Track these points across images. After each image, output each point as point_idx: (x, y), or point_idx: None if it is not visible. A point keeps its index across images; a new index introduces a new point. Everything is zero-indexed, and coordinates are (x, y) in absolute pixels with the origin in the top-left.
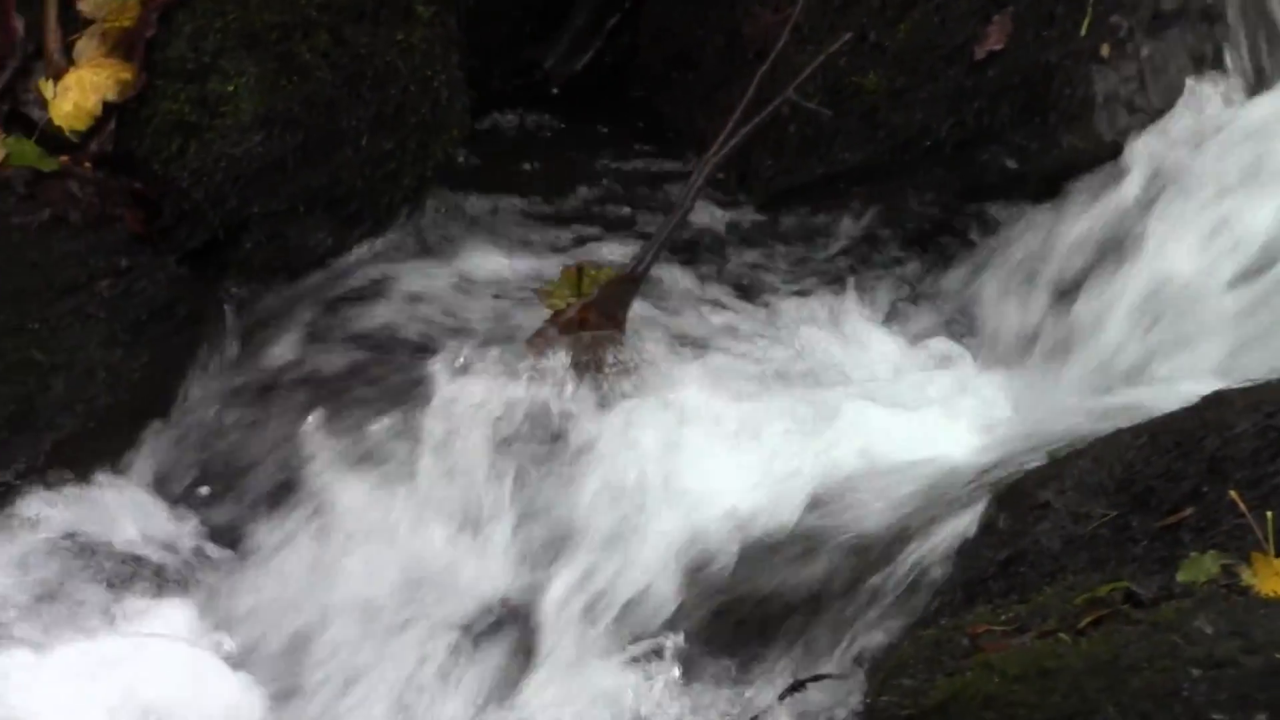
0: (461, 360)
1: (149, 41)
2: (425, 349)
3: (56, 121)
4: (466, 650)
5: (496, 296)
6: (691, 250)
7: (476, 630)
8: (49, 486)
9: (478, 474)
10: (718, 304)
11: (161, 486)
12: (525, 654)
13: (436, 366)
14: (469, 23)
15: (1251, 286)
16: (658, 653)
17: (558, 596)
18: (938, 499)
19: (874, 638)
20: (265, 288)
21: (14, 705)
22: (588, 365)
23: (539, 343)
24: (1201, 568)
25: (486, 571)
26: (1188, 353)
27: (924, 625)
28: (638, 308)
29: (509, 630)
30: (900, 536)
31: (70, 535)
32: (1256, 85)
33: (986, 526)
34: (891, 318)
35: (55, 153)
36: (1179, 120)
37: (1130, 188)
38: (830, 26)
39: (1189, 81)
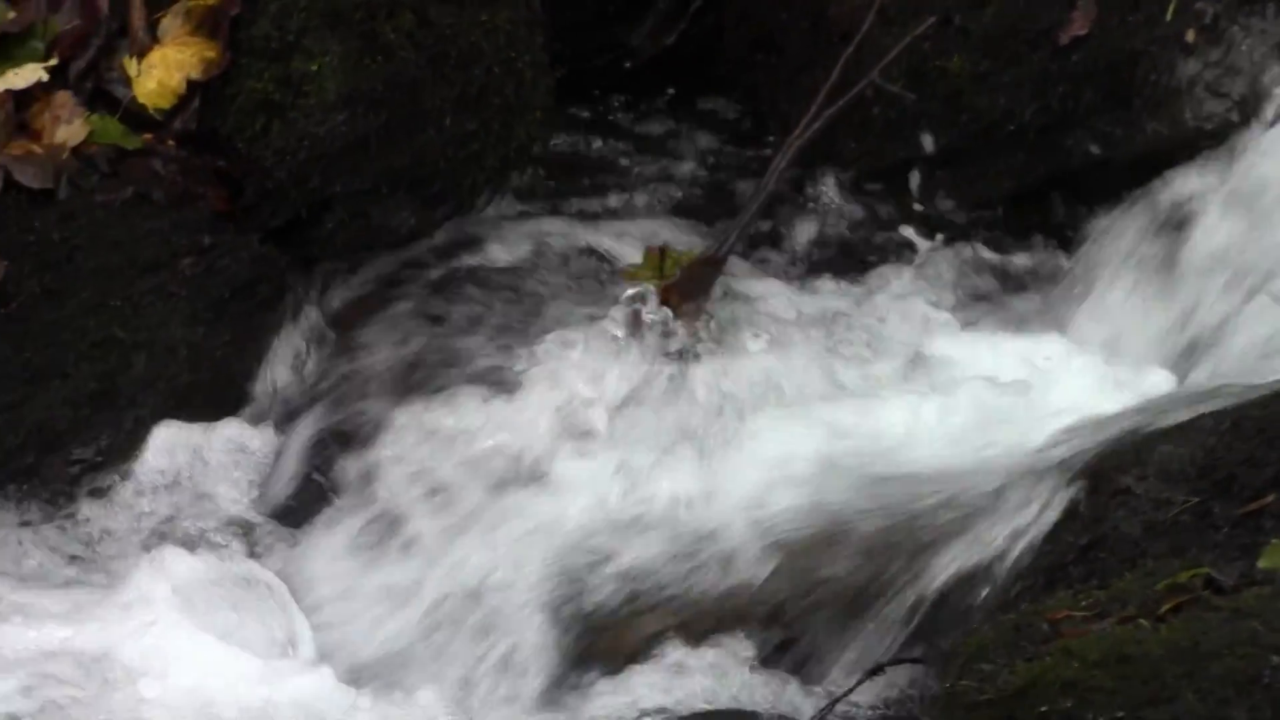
0: (544, 340)
1: (234, 20)
2: (507, 329)
3: (140, 99)
4: (550, 638)
5: (579, 278)
6: (774, 232)
7: (557, 622)
8: (129, 464)
9: (561, 453)
10: (799, 285)
11: (241, 465)
12: (608, 633)
13: (519, 346)
14: (553, 3)
15: None
16: (729, 631)
17: (639, 577)
18: (1019, 482)
19: (952, 621)
20: (347, 267)
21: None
22: (670, 344)
23: (620, 323)
24: None
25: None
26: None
27: (1004, 610)
28: (720, 288)
29: (597, 610)
30: (980, 519)
31: (149, 513)
32: None
33: (1068, 511)
34: (973, 301)
35: (139, 131)
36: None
37: (1224, 172)
38: (915, 10)
39: (1276, 68)
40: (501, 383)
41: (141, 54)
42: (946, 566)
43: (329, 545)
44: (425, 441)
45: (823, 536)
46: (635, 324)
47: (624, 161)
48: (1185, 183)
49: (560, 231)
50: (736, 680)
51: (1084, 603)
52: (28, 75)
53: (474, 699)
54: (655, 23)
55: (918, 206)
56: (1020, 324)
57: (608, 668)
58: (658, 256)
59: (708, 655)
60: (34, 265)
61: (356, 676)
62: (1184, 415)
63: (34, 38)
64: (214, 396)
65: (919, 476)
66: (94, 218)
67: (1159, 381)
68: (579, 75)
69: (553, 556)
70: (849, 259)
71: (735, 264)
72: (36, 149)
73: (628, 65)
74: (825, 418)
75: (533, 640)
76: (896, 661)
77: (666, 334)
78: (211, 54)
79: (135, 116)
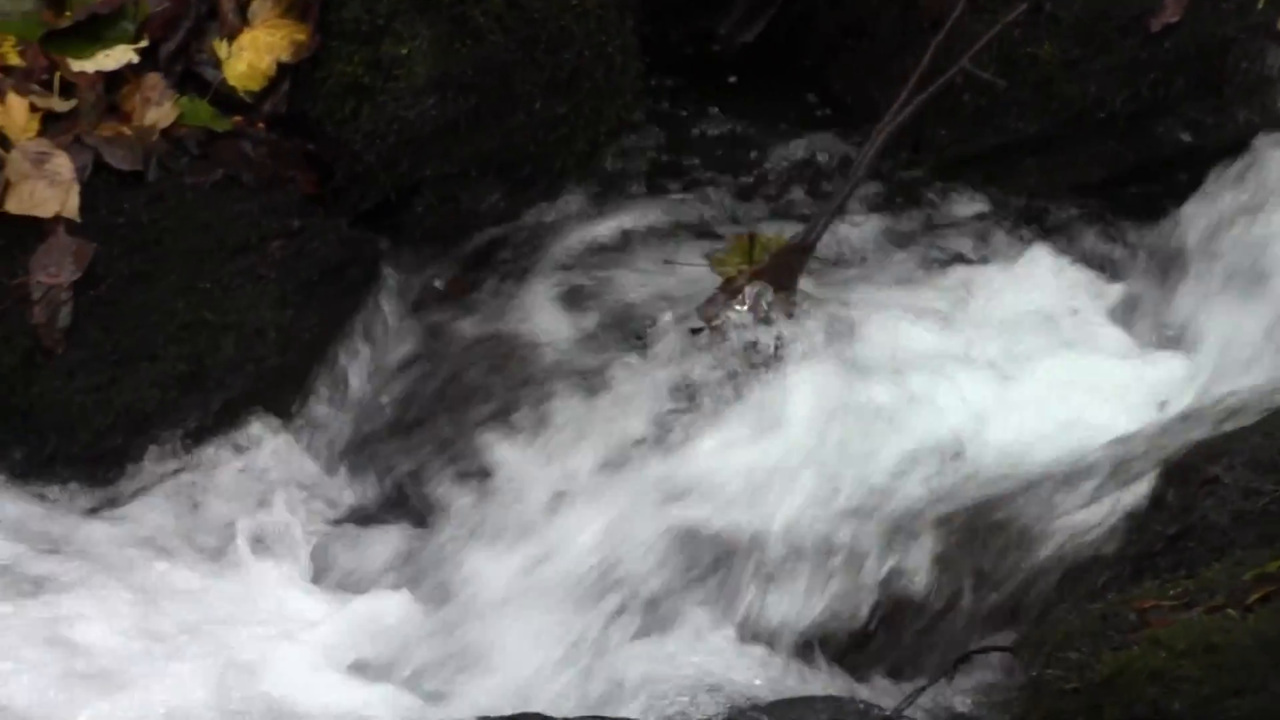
0: (632, 325)
1: (324, 3)
2: (594, 312)
3: (230, 82)
4: (642, 621)
5: (667, 262)
6: (864, 218)
7: (635, 609)
8: (217, 445)
9: (648, 440)
10: (889, 272)
11: (328, 447)
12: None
13: (606, 330)
14: None
15: None
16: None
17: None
18: (1108, 471)
19: (1039, 610)
20: (437, 250)
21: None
22: (759, 330)
23: (709, 310)
24: None
25: (654, 538)
26: None
27: (1091, 599)
28: (808, 274)
29: (680, 595)
30: (1069, 508)
31: (235, 495)
32: None
33: (1156, 501)
34: (1063, 289)
35: (228, 113)
36: None
37: None
38: None
39: None
40: (588, 373)
41: (231, 36)
42: (1033, 555)
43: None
44: (519, 428)
45: (908, 523)
46: (724, 311)
47: (710, 147)
48: (1275, 170)
49: (646, 217)
50: (823, 667)
51: (1171, 592)
52: (118, 57)
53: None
54: (745, 10)
55: (1006, 193)
56: (1111, 313)
57: None
58: (747, 243)
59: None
60: (123, 247)
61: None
62: (1274, 406)
63: (124, 19)
64: (302, 379)
65: (1006, 465)
66: (183, 200)
67: (1248, 372)
68: (666, 61)
69: (657, 537)
70: (937, 247)
71: (822, 250)
72: (126, 131)
73: (717, 50)
74: (911, 406)
75: (611, 610)
76: (983, 650)
77: (756, 321)
78: (301, 37)
79: (225, 99)
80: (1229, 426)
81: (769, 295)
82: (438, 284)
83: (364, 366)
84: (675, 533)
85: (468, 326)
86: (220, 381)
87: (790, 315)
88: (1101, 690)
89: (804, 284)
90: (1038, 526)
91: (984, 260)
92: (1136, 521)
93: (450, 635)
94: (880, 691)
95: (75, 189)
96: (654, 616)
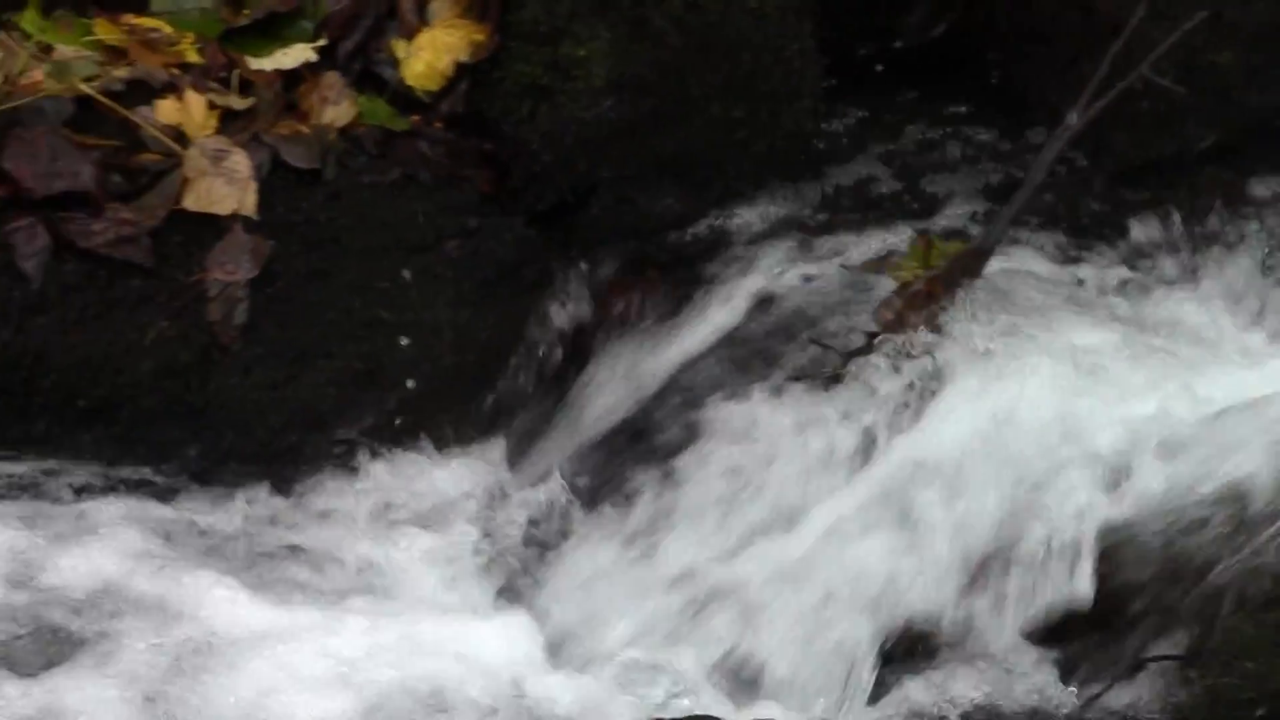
0: (809, 330)
1: (503, 3)
2: (771, 315)
3: (408, 81)
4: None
5: (844, 266)
6: (1041, 223)
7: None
8: (392, 444)
9: (840, 445)
10: (1066, 276)
11: (503, 446)
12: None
13: (783, 334)
14: None
15: None
16: None
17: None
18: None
19: (1214, 619)
20: (613, 252)
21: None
22: (934, 334)
23: (884, 313)
24: None
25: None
26: None
27: (1266, 608)
28: (985, 279)
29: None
30: (1241, 517)
31: (409, 494)
32: None
33: None
34: (1243, 296)
35: (406, 112)
36: None
37: None
38: (1186, 4)
39: None
40: (768, 377)
41: (410, 36)
42: (1207, 561)
43: (597, 539)
44: (702, 432)
45: (1076, 528)
46: (904, 314)
47: (886, 149)
48: None
49: (822, 221)
50: (992, 676)
51: None
52: (296, 55)
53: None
54: (926, 12)
55: (1183, 200)
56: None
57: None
58: (924, 247)
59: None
60: (300, 245)
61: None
62: None
63: (303, 18)
64: (478, 379)
65: (1176, 473)
66: (360, 198)
67: None
68: (844, 63)
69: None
70: (1112, 254)
71: (999, 255)
72: (304, 129)
73: (894, 52)
74: (1095, 408)
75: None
76: (1157, 658)
77: (934, 327)
78: (480, 37)
79: (403, 98)
80: None
81: (946, 298)
82: (612, 285)
83: (540, 366)
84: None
85: (645, 329)
86: (396, 380)
87: (966, 319)
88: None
89: (978, 288)
90: (1210, 531)
91: (1158, 268)
92: None
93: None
94: (1050, 702)
95: (253, 186)
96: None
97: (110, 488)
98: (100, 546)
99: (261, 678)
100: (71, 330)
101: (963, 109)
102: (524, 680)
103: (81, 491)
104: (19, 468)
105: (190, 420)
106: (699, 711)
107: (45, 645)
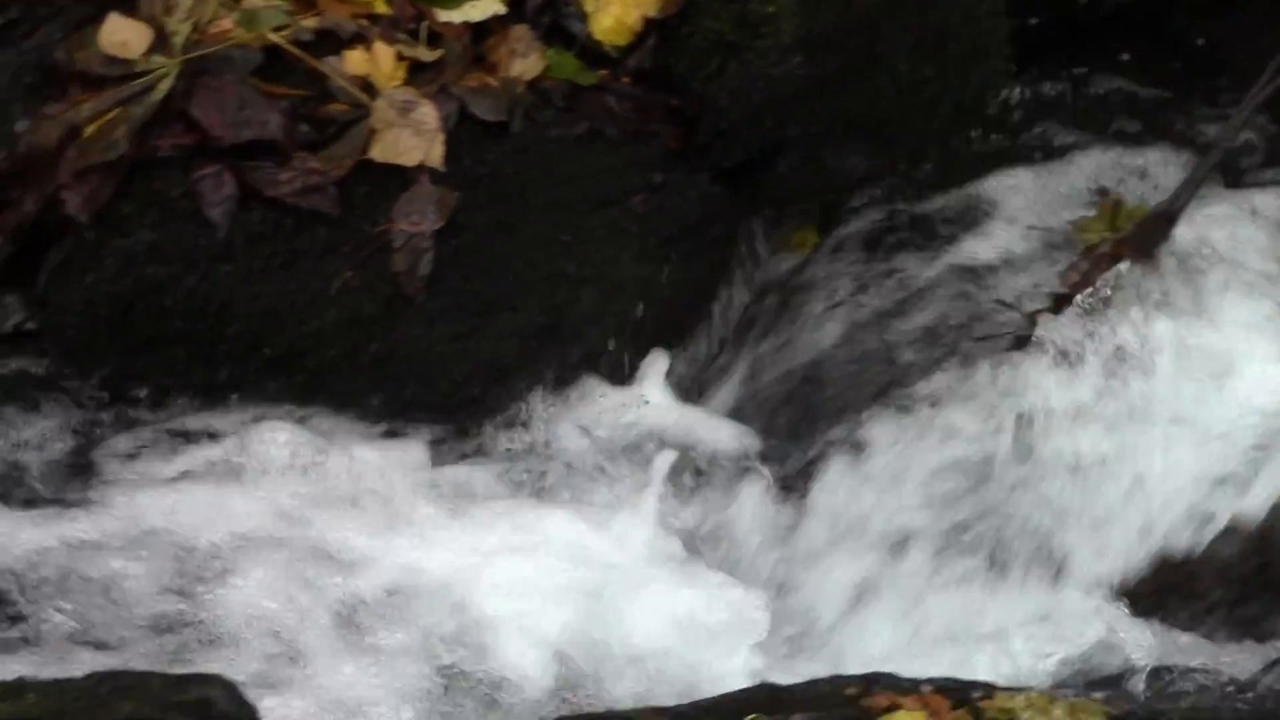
0: (995, 292)
1: None
2: (958, 278)
3: (596, 36)
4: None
5: (1030, 227)
6: (1220, 186)
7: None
8: (574, 398)
9: (1036, 412)
10: (1257, 243)
11: (684, 402)
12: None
13: (970, 296)
14: None
15: None
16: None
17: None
18: None
19: None
20: (797, 210)
21: None
22: (1122, 298)
23: (1071, 275)
24: None
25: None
26: None
27: None
28: (1172, 243)
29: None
30: None
31: (590, 448)
32: None
33: None
34: None
35: (594, 67)
36: None
37: None
38: None
39: None
40: (951, 336)
41: None
42: None
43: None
44: (890, 396)
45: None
46: (1090, 276)
47: (1073, 110)
48: None
49: (1008, 182)
50: (1180, 639)
51: None
52: (485, 8)
53: None
54: None
55: None
56: None
57: None
58: (1111, 209)
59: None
60: (486, 197)
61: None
62: None
63: None
64: (659, 334)
65: None
66: (547, 152)
67: None
68: (1032, 24)
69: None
70: None
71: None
72: (492, 82)
73: (1085, 14)
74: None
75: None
76: None
77: (1119, 288)
78: None
79: (590, 52)
80: None
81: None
82: (793, 245)
83: (723, 323)
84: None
85: (833, 288)
86: (579, 334)
87: (1150, 283)
88: None
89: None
90: None
91: None
92: None
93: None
94: (1235, 665)
95: (440, 138)
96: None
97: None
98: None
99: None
100: (257, 279)
101: (1152, 70)
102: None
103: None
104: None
105: (373, 370)
106: None
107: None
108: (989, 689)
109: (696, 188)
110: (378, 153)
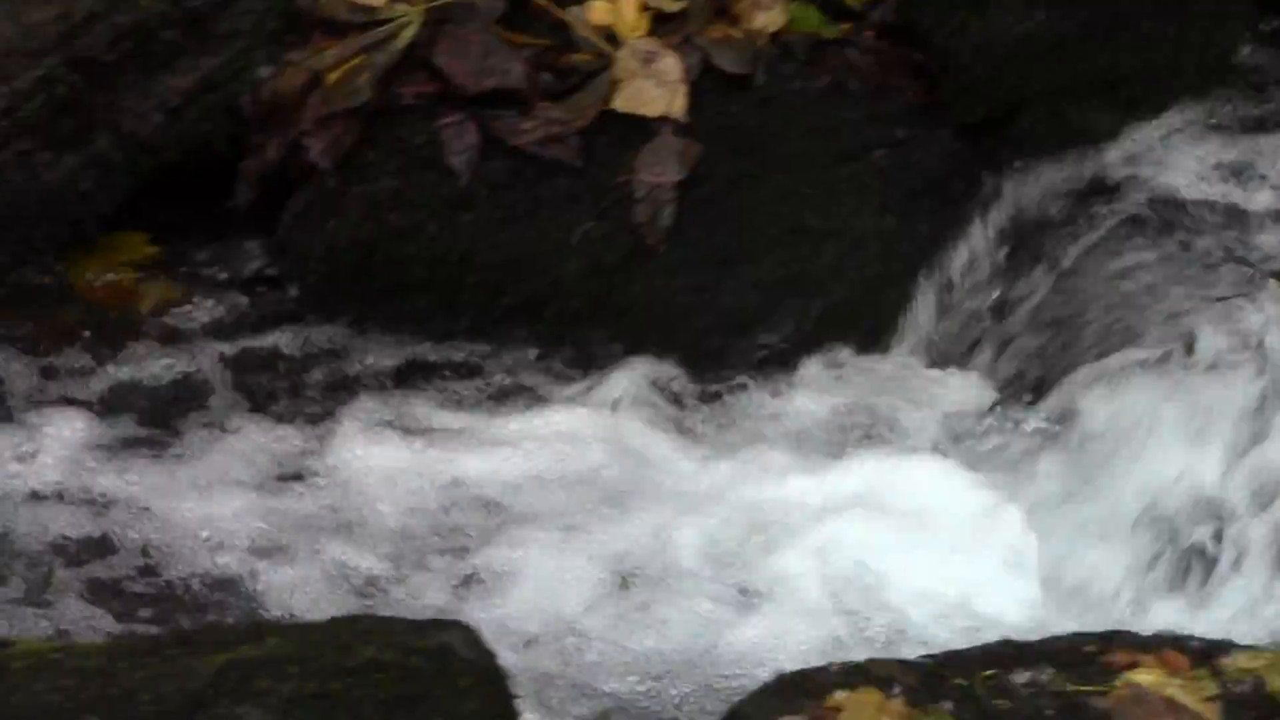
0: (1243, 250)
1: None
2: (1205, 232)
3: None
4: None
5: (1275, 188)
6: None
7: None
8: (814, 350)
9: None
10: None
11: (924, 357)
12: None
13: (1210, 253)
14: None
15: None
16: None
17: None
18: None
19: None
20: (1041, 167)
21: None
22: None
23: None
24: None
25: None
26: None
27: None
28: None
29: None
30: None
31: (837, 400)
32: None
33: None
34: None
35: (837, 20)
36: None
37: None
38: None
39: None
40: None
41: None
42: None
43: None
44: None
45: None
46: None
47: None
48: None
49: (1251, 148)
50: None
51: None
52: None
53: None
54: None
55: None
56: None
57: None
58: None
59: None
60: (728, 150)
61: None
62: None
63: None
64: (898, 290)
65: None
66: (790, 105)
67: None
68: None
69: None
70: None
71: None
72: (735, 34)
73: None
74: None
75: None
76: None
77: None
78: None
79: (833, 6)
80: None
81: None
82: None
83: (966, 279)
84: None
85: (1069, 247)
86: (821, 287)
87: None
88: None
89: None
90: None
91: None
92: None
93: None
94: None
95: (683, 90)
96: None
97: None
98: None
99: None
100: (498, 228)
101: None
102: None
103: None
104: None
105: (614, 321)
106: None
107: None
108: (1229, 647)
109: (939, 143)
110: (620, 103)
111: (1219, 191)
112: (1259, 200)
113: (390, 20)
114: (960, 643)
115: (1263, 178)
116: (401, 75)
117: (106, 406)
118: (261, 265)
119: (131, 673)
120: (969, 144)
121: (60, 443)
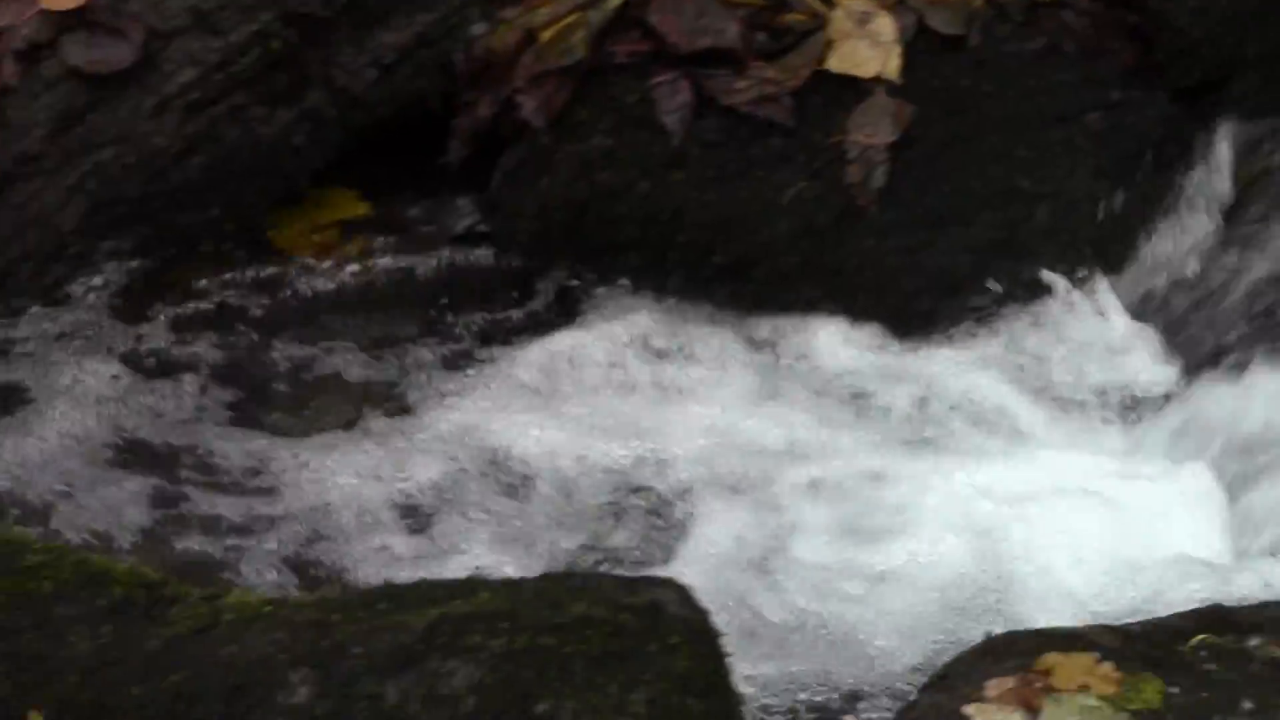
0: None
1: None
2: None
3: None
4: None
5: None
6: None
7: None
8: (1024, 313)
9: None
10: None
11: (1139, 319)
12: None
13: None
14: None
15: None
16: None
17: None
18: None
19: None
20: (1257, 132)
21: None
22: None
23: None
24: None
25: None
26: None
27: None
28: None
29: None
30: None
31: (1044, 365)
32: None
33: None
34: None
35: None
36: None
37: None
38: None
39: None
40: None
41: None
42: None
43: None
44: None
45: None
46: None
47: None
48: None
49: None
50: None
51: None
52: None
53: None
54: None
55: None
56: None
57: None
58: None
59: None
60: (941, 111)
61: None
62: None
63: None
64: (1115, 253)
65: None
66: (1004, 66)
67: None
68: None
69: None
70: None
71: None
72: None
73: None
74: None
75: None
76: None
77: None
78: None
79: None
80: None
81: None
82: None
83: (1179, 245)
84: None
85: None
86: (1032, 250)
87: None
88: None
89: None
90: None
91: None
92: None
93: None
94: None
95: (897, 50)
96: None
97: None
98: None
99: None
100: (709, 187)
101: None
102: None
103: None
104: None
105: (825, 281)
106: None
107: None
108: None
109: (1154, 106)
110: (834, 63)
111: None
112: None
113: None
114: (1163, 611)
115: None
116: (615, 34)
117: None
118: (473, 222)
119: (344, 626)
120: (1184, 107)
121: None
